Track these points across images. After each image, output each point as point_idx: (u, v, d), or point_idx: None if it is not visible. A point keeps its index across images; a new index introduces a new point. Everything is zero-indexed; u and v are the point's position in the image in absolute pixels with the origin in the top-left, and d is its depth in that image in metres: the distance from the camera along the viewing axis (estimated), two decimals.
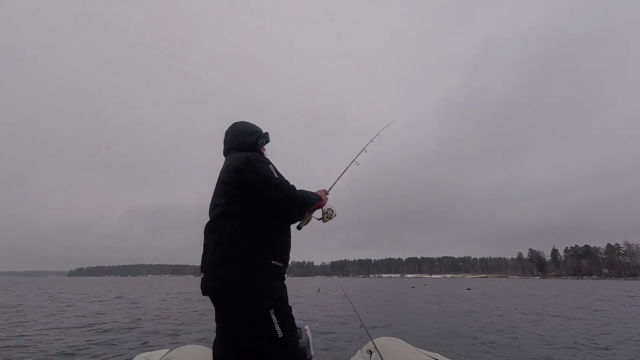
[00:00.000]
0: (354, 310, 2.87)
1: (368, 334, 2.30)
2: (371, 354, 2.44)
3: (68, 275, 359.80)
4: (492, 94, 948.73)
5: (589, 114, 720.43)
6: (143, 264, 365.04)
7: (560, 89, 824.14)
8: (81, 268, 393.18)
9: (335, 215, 2.00)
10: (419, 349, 2.52)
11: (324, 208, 1.94)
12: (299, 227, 1.82)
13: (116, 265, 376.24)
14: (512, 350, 5.93)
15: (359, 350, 3.06)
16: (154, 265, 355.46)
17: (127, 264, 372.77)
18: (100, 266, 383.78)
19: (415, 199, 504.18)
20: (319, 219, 1.94)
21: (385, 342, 2.64)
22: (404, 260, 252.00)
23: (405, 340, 2.74)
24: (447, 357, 2.34)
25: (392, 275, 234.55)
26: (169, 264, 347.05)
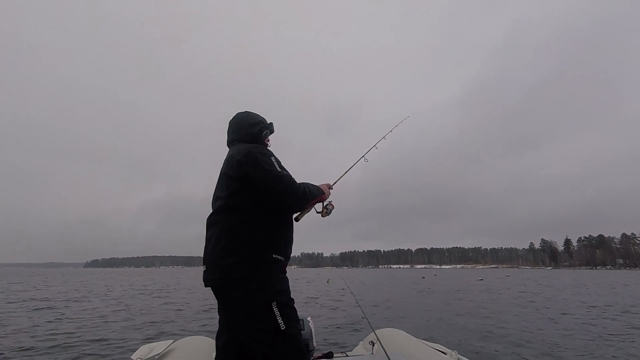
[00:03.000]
0: (356, 302, 2.91)
1: (370, 325, 2.36)
2: (373, 345, 2.48)
3: (84, 267, 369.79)
4: (515, 81, 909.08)
5: (613, 102, 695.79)
6: (156, 256, 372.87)
7: (587, 76, 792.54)
8: (96, 260, 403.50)
9: (333, 209, 1.98)
10: (421, 340, 2.57)
11: (324, 202, 1.93)
12: (296, 219, 1.80)
13: (130, 257, 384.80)
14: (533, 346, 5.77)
15: (361, 342, 3.02)
16: (166, 256, 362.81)
17: (140, 256, 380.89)
18: (114, 258, 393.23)
19: (429, 190, 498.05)
20: (318, 212, 1.93)
21: (387, 334, 2.70)
22: (413, 251, 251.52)
23: (407, 332, 2.78)
24: (449, 348, 2.40)
25: (401, 266, 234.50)
26: (180, 255, 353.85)
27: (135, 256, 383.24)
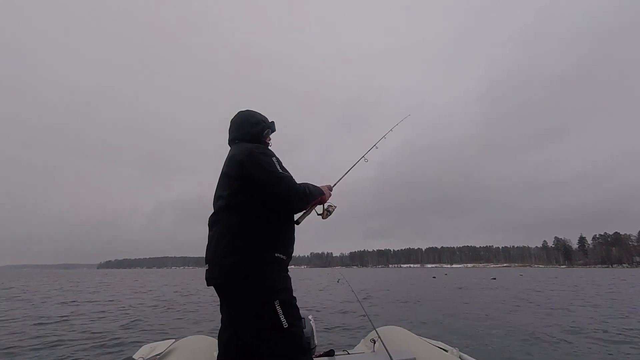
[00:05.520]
0: (358, 301, 2.94)
1: (371, 323, 2.37)
2: (375, 342, 2.49)
3: (97, 268, 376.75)
4: (539, 72, 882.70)
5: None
6: (167, 256, 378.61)
7: (614, 66, 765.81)
8: (109, 261, 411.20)
9: (334, 210, 1.94)
10: (423, 338, 2.58)
11: (325, 204, 1.89)
12: (297, 222, 1.78)
13: (142, 257, 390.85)
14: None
15: (362, 339, 3.00)
16: (178, 257, 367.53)
17: (152, 257, 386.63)
18: (127, 259, 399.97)
19: (443, 186, 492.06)
20: (319, 214, 1.90)
21: (388, 331, 2.73)
22: (423, 250, 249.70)
23: (409, 330, 2.79)
24: (450, 345, 2.42)
25: (411, 265, 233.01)
26: (191, 256, 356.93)
27: (148, 257, 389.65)
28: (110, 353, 5.03)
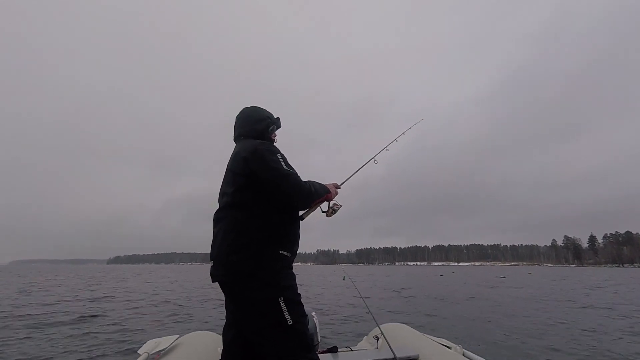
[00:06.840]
0: (360, 297, 2.95)
1: (375, 320, 2.35)
2: (378, 339, 2.49)
3: (107, 263, 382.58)
4: (550, 71, 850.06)
5: None
6: (175, 252, 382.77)
7: (625, 65, 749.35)
8: (119, 256, 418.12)
9: (339, 209, 1.92)
10: (426, 335, 2.57)
11: (330, 203, 1.88)
12: (301, 218, 1.78)
13: (150, 253, 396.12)
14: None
15: (365, 336, 2.98)
16: (186, 253, 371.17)
17: (160, 252, 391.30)
18: (136, 254, 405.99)
19: (452, 185, 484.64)
20: (323, 212, 1.88)
21: (391, 328, 2.72)
22: (430, 248, 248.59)
23: (412, 327, 2.78)
24: (453, 342, 2.40)
25: (418, 263, 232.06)
26: (199, 252, 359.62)
27: (156, 253, 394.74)
28: (114, 349, 5.06)
